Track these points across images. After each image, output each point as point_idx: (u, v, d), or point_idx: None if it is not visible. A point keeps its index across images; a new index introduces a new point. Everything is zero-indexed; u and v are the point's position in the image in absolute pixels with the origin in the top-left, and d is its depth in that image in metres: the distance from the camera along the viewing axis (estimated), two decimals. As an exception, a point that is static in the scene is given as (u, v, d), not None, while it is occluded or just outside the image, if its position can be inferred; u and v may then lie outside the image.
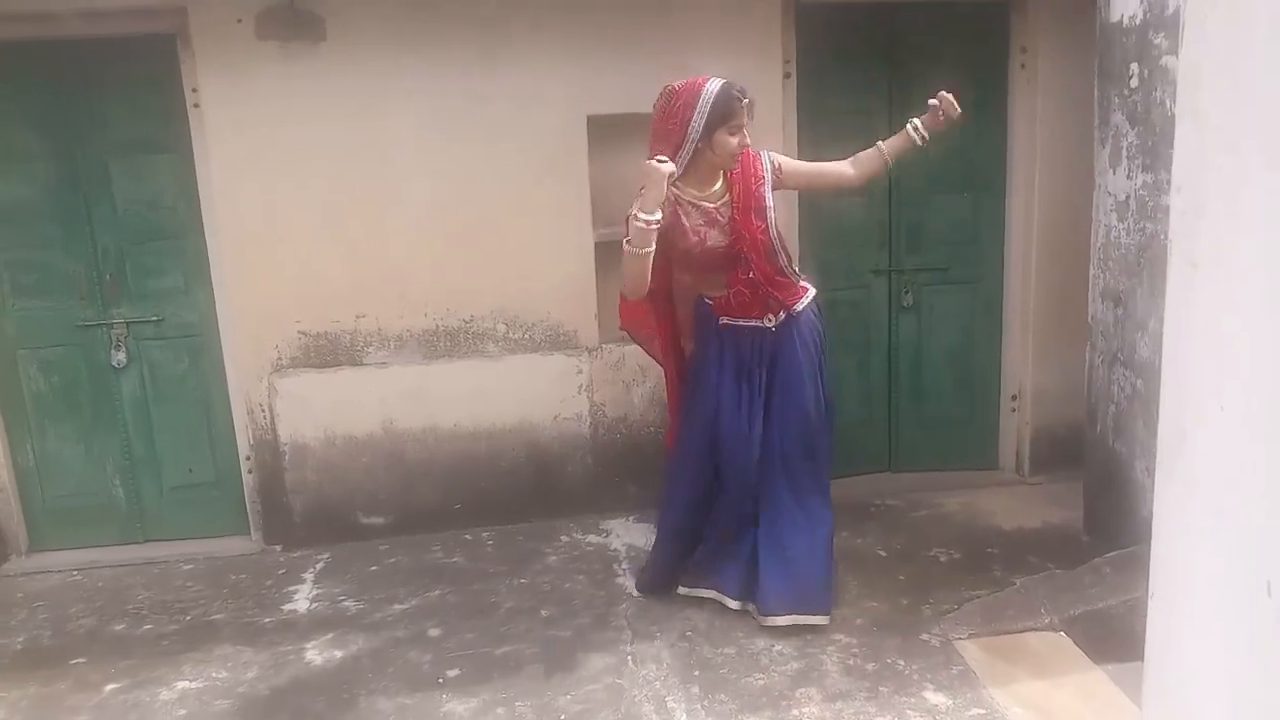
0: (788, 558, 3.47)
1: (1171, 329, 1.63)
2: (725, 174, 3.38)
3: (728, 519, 3.59)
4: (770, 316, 3.46)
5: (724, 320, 3.50)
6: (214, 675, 3.41)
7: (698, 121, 3.20)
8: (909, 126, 3.42)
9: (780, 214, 3.53)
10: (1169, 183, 3.46)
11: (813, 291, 3.54)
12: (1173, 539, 1.65)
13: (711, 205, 3.36)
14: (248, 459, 4.41)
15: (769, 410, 3.49)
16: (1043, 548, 4.08)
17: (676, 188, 3.29)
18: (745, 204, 3.35)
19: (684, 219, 3.33)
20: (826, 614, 3.49)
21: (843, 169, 3.52)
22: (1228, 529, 1.49)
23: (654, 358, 3.80)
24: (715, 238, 3.34)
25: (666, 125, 3.25)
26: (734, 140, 3.24)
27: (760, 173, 3.38)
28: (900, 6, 4.52)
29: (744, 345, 3.49)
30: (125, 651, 3.61)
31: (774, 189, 3.41)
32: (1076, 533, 4.12)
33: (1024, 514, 4.41)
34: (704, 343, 3.57)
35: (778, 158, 3.46)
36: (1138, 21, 3.52)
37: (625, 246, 3.18)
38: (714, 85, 3.21)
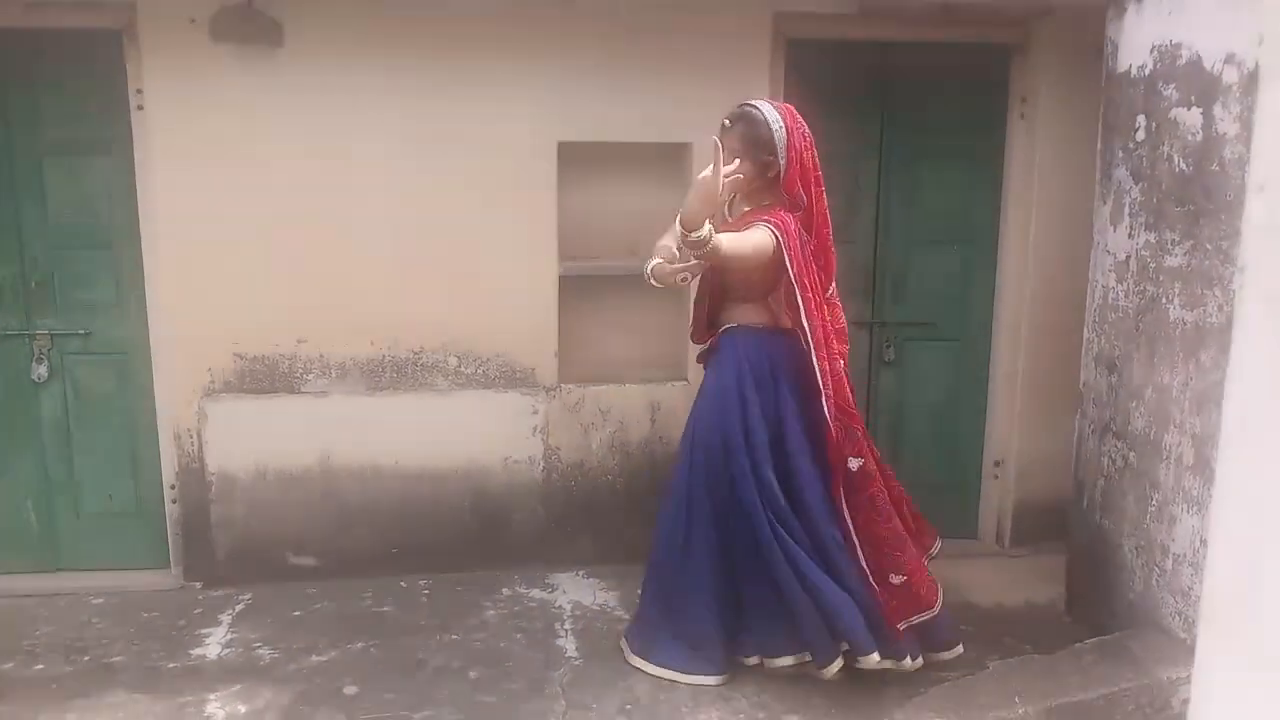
0: None
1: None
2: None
3: None
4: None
5: None
6: (99, 727, 3.10)
7: None
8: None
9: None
10: (1174, 242, 3.31)
11: None
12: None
13: None
14: (172, 488, 4.11)
15: None
16: (1020, 627, 3.86)
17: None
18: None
19: None
20: None
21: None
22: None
23: None
24: None
25: None
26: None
27: None
28: (895, 46, 4.31)
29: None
30: (4, 693, 3.31)
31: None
32: (1058, 613, 3.94)
33: (1002, 589, 4.16)
34: None
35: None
36: (1147, 72, 3.38)
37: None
38: None
